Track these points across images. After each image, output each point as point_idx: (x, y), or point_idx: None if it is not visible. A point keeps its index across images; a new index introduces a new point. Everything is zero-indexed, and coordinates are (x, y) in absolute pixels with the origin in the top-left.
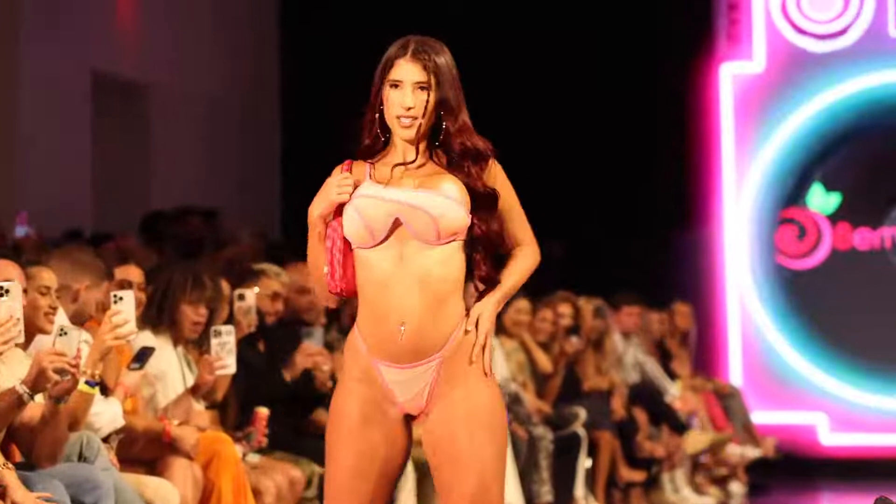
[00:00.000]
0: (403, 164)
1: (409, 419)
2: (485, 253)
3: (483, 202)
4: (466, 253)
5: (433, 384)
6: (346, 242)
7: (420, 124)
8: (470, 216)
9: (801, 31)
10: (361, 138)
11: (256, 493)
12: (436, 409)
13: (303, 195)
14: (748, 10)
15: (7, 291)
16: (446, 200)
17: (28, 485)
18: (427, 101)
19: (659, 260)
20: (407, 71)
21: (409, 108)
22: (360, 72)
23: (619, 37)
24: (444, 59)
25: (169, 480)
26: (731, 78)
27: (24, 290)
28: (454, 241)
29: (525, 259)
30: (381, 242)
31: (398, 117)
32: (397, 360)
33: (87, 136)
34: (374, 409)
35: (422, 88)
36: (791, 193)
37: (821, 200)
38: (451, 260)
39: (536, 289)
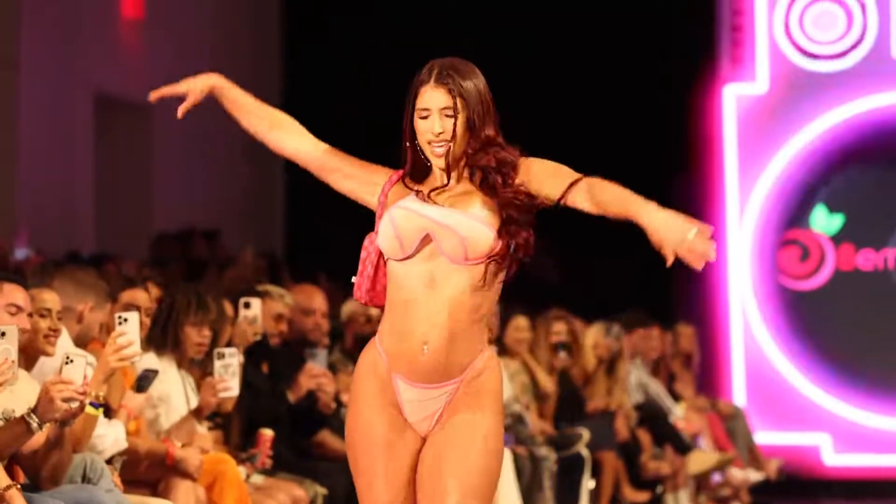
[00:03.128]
0: (440, 187)
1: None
2: (506, 268)
3: (512, 214)
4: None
5: (443, 410)
6: (380, 257)
7: (450, 148)
8: (499, 237)
9: (804, 53)
10: (403, 165)
11: None
12: (435, 433)
13: (305, 215)
14: (751, 32)
15: (3, 334)
16: (473, 222)
17: None
18: (461, 123)
19: (661, 281)
20: (432, 98)
21: (439, 134)
22: (363, 92)
23: (622, 59)
24: (470, 80)
25: (173, 502)
26: (734, 99)
27: (30, 315)
28: (482, 263)
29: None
30: (411, 257)
31: (430, 143)
32: (415, 379)
33: (90, 157)
34: (395, 419)
35: (448, 115)
36: (794, 214)
37: (824, 221)
38: (482, 284)
39: (536, 307)
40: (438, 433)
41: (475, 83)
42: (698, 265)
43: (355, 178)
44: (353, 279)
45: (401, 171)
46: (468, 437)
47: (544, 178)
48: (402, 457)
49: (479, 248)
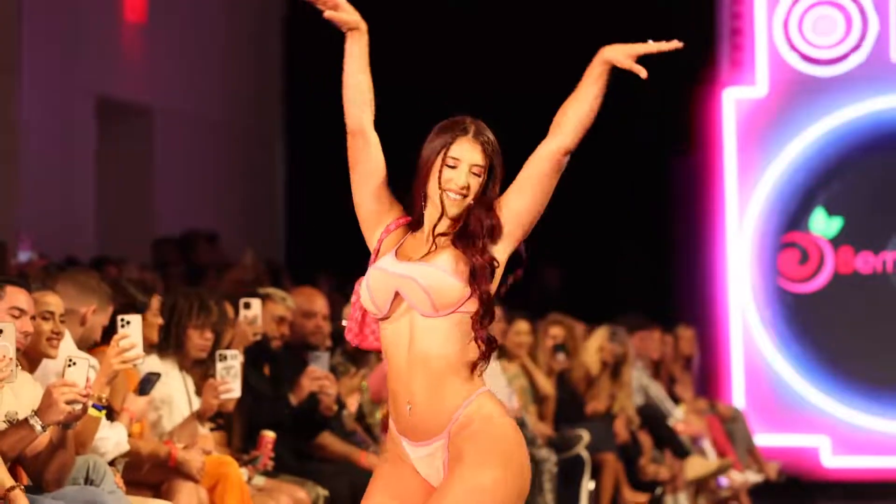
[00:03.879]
0: (444, 234)
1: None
2: (479, 317)
3: (477, 267)
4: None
5: (444, 463)
6: None
7: (465, 204)
8: (469, 286)
9: (803, 57)
10: (413, 206)
11: None
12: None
13: (305, 218)
14: (751, 36)
15: (0, 332)
16: (438, 272)
17: None
18: (481, 184)
19: (662, 284)
20: (467, 151)
21: (463, 188)
22: None
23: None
24: (498, 148)
25: (175, 503)
26: (734, 103)
27: (32, 317)
28: (457, 313)
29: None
30: (390, 315)
31: (447, 191)
32: (412, 438)
33: (91, 160)
34: (399, 467)
35: (476, 173)
36: (794, 217)
37: (823, 224)
38: (450, 340)
39: (538, 311)
40: (441, 485)
41: (497, 145)
42: (673, 45)
43: (379, 202)
44: (344, 322)
45: (403, 219)
46: (463, 494)
47: (514, 189)
48: (395, 478)
49: (445, 298)
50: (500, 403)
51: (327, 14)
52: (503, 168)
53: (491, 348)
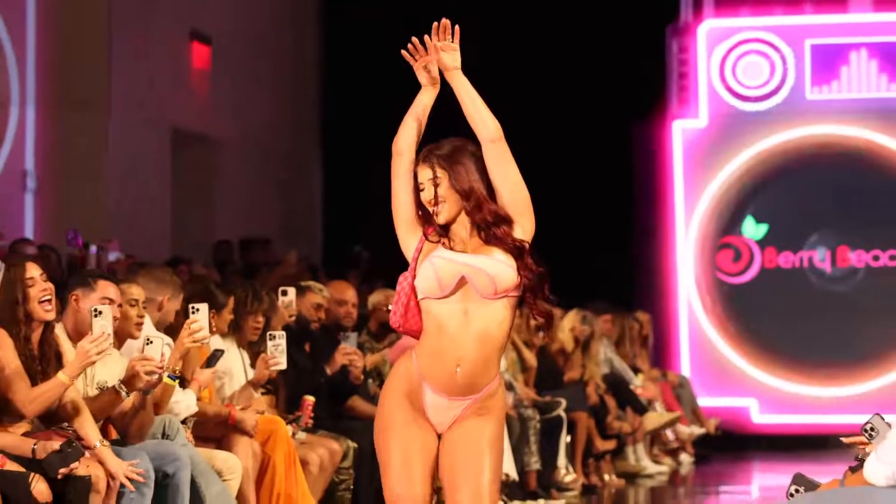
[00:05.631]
0: (466, 241)
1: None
2: (533, 294)
3: (518, 256)
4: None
5: (460, 417)
6: (413, 294)
7: (446, 208)
8: (517, 275)
9: (736, 95)
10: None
11: (304, 463)
12: (453, 431)
13: (338, 225)
14: (695, 78)
15: (100, 312)
16: (499, 263)
17: (121, 457)
18: (447, 186)
19: (624, 277)
20: (422, 174)
21: (430, 200)
22: (385, 130)
23: (593, 99)
24: (454, 153)
25: (234, 454)
26: (681, 132)
27: (119, 305)
28: (507, 297)
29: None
30: (447, 296)
31: (428, 208)
32: (445, 392)
33: (167, 179)
34: (415, 417)
35: (436, 183)
36: (728, 224)
37: (752, 229)
38: (504, 322)
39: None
40: (453, 434)
41: (457, 156)
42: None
43: (412, 209)
44: (390, 306)
45: (429, 229)
46: (477, 443)
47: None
48: (416, 437)
49: (505, 284)
50: (503, 383)
51: (427, 67)
52: (469, 167)
53: (550, 319)
